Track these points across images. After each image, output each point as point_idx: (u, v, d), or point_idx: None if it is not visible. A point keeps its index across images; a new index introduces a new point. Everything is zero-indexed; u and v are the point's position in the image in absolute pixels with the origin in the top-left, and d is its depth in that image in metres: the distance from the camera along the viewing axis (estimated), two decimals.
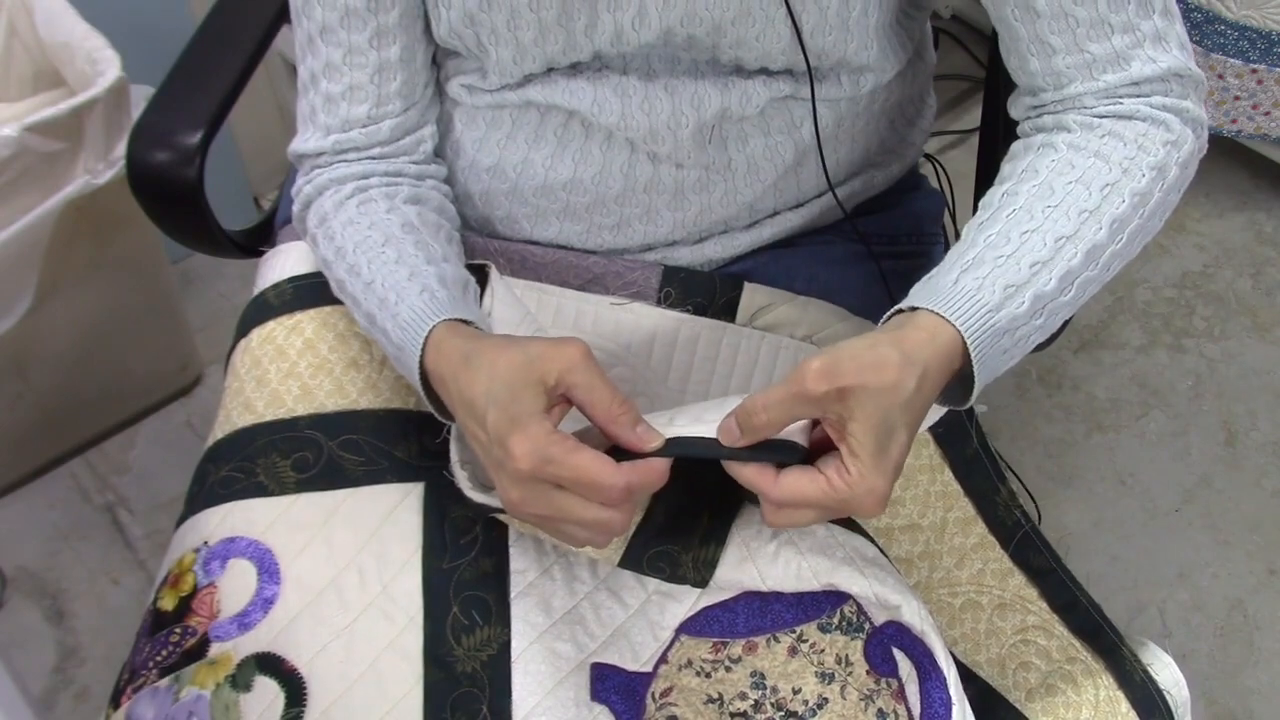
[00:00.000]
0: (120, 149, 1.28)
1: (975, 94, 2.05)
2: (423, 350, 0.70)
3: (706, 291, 0.86)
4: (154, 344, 1.58)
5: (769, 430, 0.64)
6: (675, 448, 0.66)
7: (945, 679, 0.71)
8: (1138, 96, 0.73)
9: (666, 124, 0.80)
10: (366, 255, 0.77)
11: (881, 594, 0.72)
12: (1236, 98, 1.74)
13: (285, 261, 0.90)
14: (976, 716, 0.73)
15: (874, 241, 0.92)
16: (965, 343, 0.65)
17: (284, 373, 0.84)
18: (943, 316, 0.65)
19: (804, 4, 0.74)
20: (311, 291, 0.87)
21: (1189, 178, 0.74)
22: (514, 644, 0.73)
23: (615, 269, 0.87)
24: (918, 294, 0.68)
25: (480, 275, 0.85)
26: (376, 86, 0.81)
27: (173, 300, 1.58)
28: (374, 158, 0.83)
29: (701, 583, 0.73)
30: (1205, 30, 1.70)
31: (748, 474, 0.65)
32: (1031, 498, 1.19)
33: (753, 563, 0.72)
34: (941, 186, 1.04)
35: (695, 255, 0.89)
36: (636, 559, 0.74)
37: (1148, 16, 0.72)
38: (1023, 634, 0.84)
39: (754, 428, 0.63)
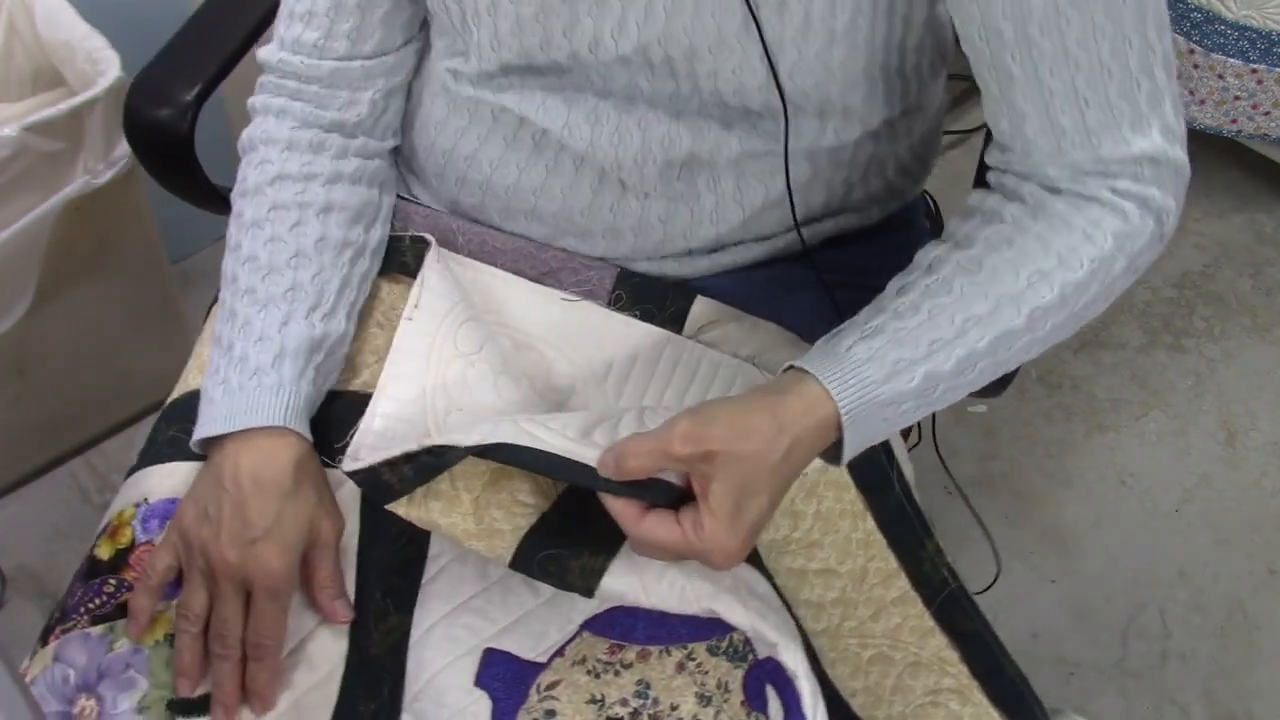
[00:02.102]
0: (120, 149, 1.28)
1: (975, 94, 2.05)
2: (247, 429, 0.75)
3: (657, 299, 0.86)
4: (154, 344, 1.58)
5: (639, 474, 0.66)
6: (561, 471, 0.68)
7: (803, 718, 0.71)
8: (1103, 175, 0.70)
9: (634, 158, 0.80)
10: (257, 274, 0.80)
11: (760, 629, 0.72)
12: (1236, 98, 1.74)
13: None
14: None
15: (841, 273, 0.89)
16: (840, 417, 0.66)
17: None
18: (825, 388, 0.66)
19: (782, 45, 0.73)
20: None
21: (1146, 264, 0.72)
22: (413, 631, 0.76)
23: (572, 265, 0.87)
24: (813, 355, 0.69)
25: (420, 249, 0.86)
26: (330, 20, 0.82)
27: (173, 300, 1.58)
28: (311, 101, 0.84)
29: (588, 591, 0.72)
30: (1205, 30, 1.70)
31: (617, 508, 0.67)
32: (995, 552, 1.15)
33: (638, 576, 0.72)
34: (934, 220, 1.02)
35: (652, 268, 0.88)
36: (528, 561, 0.73)
37: (1129, 97, 0.68)
38: (934, 695, 0.82)
39: (626, 470, 0.66)
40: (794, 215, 0.84)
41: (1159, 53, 0.68)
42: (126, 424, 1.60)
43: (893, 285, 0.73)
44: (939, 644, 0.83)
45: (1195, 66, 1.72)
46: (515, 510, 0.74)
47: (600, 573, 0.71)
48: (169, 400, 0.85)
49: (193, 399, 0.81)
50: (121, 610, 0.74)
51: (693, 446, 0.64)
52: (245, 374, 0.76)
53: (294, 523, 0.73)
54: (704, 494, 0.65)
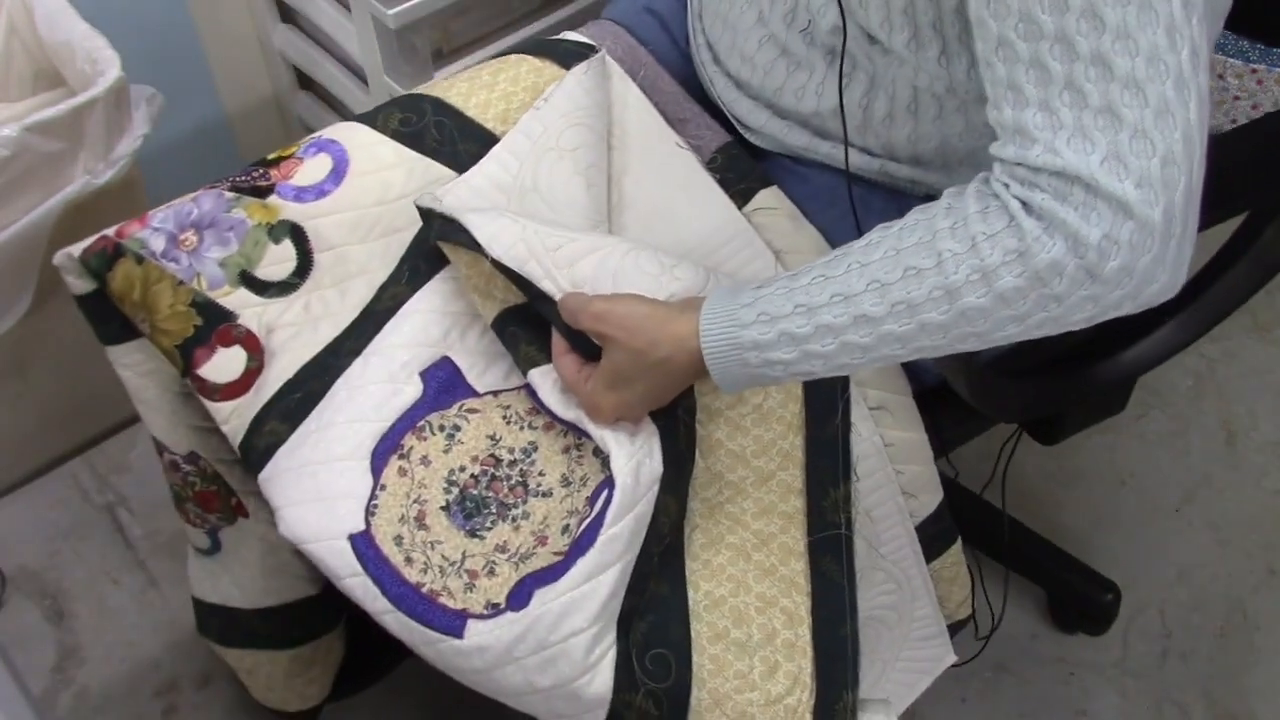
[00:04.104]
0: (120, 149, 1.28)
1: None
2: None
3: (740, 173, 1.01)
4: None
5: (570, 324, 0.83)
6: (531, 294, 0.86)
7: (603, 522, 0.80)
8: (1029, 185, 0.67)
9: None
10: None
11: (604, 439, 0.83)
12: (1236, 98, 1.74)
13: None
14: (653, 615, 0.84)
15: None
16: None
17: (487, 82, 1.02)
18: (699, 327, 0.76)
19: None
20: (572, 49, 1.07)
21: (1081, 298, 0.67)
22: (406, 306, 0.93)
23: (697, 122, 1.04)
24: (720, 289, 0.79)
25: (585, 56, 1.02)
26: None
27: None
28: None
29: (523, 371, 0.88)
30: None
31: (555, 338, 0.85)
32: (987, 598, 1.09)
33: (550, 380, 0.87)
34: None
35: (767, 124, 1.00)
36: (501, 328, 0.90)
37: (1076, 107, 0.65)
38: (766, 604, 0.87)
39: (563, 316, 0.83)
40: (844, 128, 0.93)
41: (1120, 75, 0.64)
42: (126, 424, 1.60)
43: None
44: (798, 569, 0.89)
45: None
46: (511, 290, 0.89)
47: (533, 364, 0.88)
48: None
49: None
50: (254, 191, 0.94)
51: (594, 324, 0.80)
52: None
53: None
54: (600, 361, 0.81)
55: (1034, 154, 0.66)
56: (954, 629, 1.03)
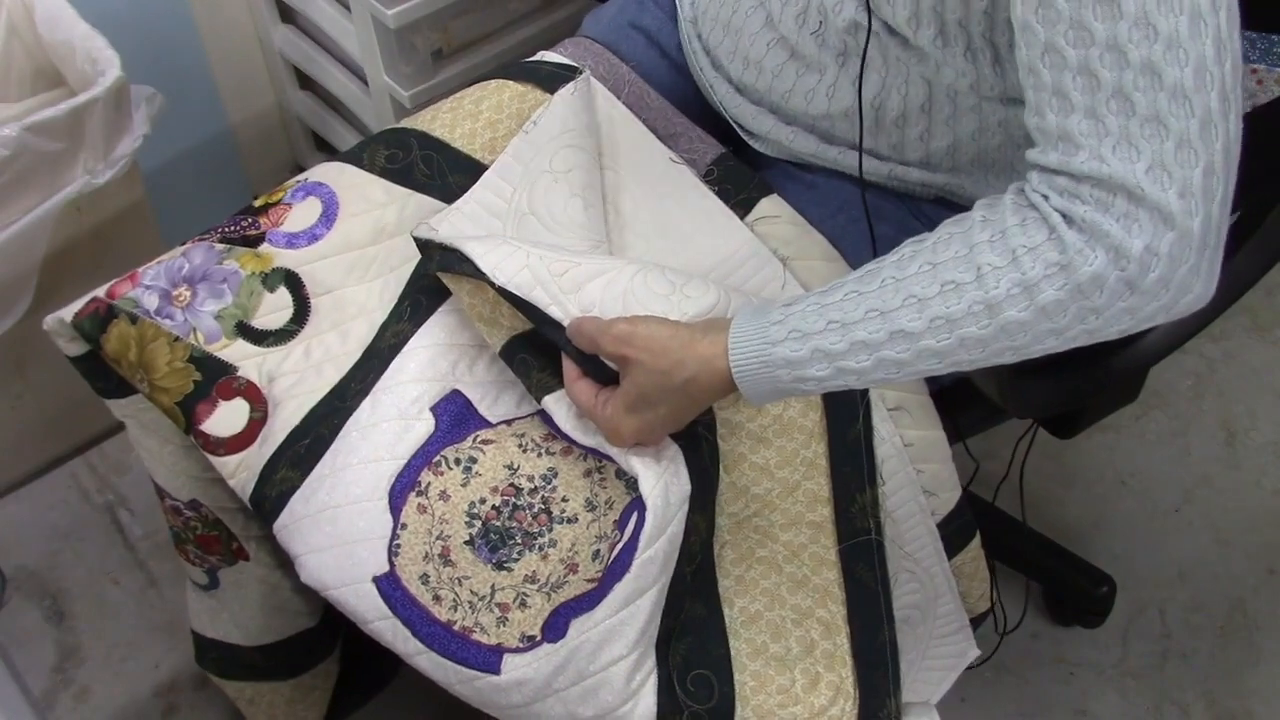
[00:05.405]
0: (120, 149, 1.28)
1: None
2: None
3: (738, 184, 1.00)
4: None
5: (585, 348, 0.81)
6: (538, 321, 0.84)
7: (637, 547, 0.78)
8: (1069, 195, 0.67)
9: None
10: None
11: (631, 463, 0.81)
12: None
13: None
14: (691, 636, 0.83)
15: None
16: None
17: (471, 111, 1.02)
18: (727, 346, 0.75)
19: None
20: (554, 75, 1.05)
21: (1120, 309, 0.67)
22: (410, 342, 0.91)
23: (689, 135, 1.03)
24: (746, 309, 0.77)
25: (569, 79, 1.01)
26: None
27: None
28: None
29: (536, 398, 0.86)
30: None
31: (565, 364, 0.83)
32: (999, 603, 1.09)
33: (567, 408, 0.85)
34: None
35: (771, 130, 1.00)
36: (510, 355, 0.88)
37: (1123, 115, 0.65)
38: (802, 617, 0.86)
39: (577, 341, 0.81)
40: (860, 123, 0.92)
41: (1169, 85, 0.63)
42: None
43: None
44: (832, 579, 0.88)
45: None
46: (517, 316, 0.87)
47: (547, 390, 0.85)
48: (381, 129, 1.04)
49: (394, 132, 1.02)
50: (245, 241, 0.94)
51: (616, 347, 0.78)
52: None
53: None
54: (619, 384, 0.79)
55: (1078, 161, 0.66)
56: (974, 623, 1.03)
